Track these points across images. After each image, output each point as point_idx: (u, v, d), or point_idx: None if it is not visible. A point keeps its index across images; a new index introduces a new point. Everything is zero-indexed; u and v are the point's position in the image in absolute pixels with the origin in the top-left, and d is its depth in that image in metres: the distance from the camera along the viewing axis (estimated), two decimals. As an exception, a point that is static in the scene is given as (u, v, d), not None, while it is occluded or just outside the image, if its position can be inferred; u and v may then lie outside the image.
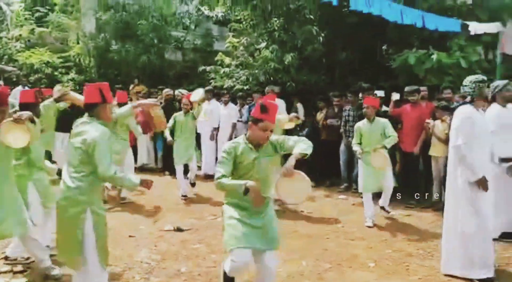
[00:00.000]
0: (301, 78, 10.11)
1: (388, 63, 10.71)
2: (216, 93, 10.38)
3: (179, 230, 6.21)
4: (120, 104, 7.09)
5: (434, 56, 8.73)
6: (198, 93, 8.04)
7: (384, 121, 6.58)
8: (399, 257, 5.31)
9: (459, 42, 9.12)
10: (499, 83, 5.81)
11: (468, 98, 4.69)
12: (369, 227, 6.44)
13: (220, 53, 12.28)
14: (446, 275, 4.72)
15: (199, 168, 9.68)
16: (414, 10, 7.83)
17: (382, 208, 6.80)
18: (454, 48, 9.01)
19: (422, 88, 7.92)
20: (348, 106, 8.54)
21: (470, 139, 4.49)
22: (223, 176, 3.55)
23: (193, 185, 8.22)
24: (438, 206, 7.19)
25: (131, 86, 12.63)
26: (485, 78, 4.79)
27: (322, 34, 10.36)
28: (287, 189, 3.55)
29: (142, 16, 14.76)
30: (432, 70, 8.79)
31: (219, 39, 16.15)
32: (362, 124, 6.65)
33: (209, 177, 9.66)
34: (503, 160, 5.42)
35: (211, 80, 11.84)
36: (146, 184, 3.77)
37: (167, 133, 7.96)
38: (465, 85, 4.73)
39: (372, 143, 6.47)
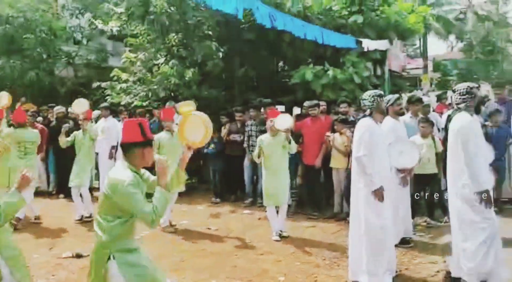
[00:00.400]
0: (202, 93, 10.01)
1: (285, 79, 11.04)
2: (113, 110, 9.91)
3: (78, 256, 5.75)
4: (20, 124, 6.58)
5: (330, 72, 9.13)
6: (80, 104, 7.62)
7: (285, 135, 6.65)
8: (307, 269, 5.35)
9: (351, 59, 9.64)
10: (390, 97, 6.14)
11: (368, 112, 4.88)
12: (276, 240, 6.45)
13: (116, 69, 11.78)
14: (355, 282, 4.84)
15: (97, 189, 9.15)
16: (314, 26, 8.15)
17: (279, 233, 6.67)
18: (347, 64, 9.51)
19: (321, 103, 8.18)
20: (250, 121, 8.59)
21: (370, 151, 4.67)
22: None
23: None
24: (340, 216, 7.44)
25: (17, 105, 11.65)
26: (382, 92, 5.07)
27: (222, 50, 10.39)
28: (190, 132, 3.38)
29: (28, 30, 13.79)
30: (328, 85, 9.18)
31: (114, 55, 15.59)
32: (264, 137, 6.70)
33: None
34: (399, 171, 5.74)
35: (107, 97, 11.31)
36: None
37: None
38: (365, 99, 4.93)
39: (274, 156, 6.55)
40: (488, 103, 8.36)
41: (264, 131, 7.74)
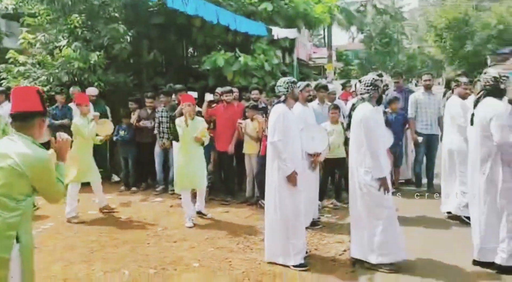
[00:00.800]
0: (108, 78, 9.59)
1: (195, 65, 10.93)
2: (9, 95, 9.19)
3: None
4: None
5: (241, 59, 9.18)
6: None
7: (202, 119, 6.74)
8: (222, 254, 5.39)
9: (262, 46, 9.77)
10: (300, 84, 6.32)
11: (282, 98, 5.00)
12: (190, 227, 6.42)
13: (11, 51, 10.91)
14: (269, 263, 4.96)
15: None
16: (227, 12, 8.10)
17: (199, 212, 6.88)
18: (258, 51, 9.62)
19: (233, 89, 8.21)
20: (160, 107, 8.41)
21: (285, 136, 4.80)
22: None
23: None
24: (252, 201, 7.56)
25: None
26: (296, 79, 5.22)
27: (130, 33, 10.02)
28: None
29: None
30: (239, 72, 9.23)
31: (10, 35, 14.43)
32: (180, 122, 6.63)
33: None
34: (310, 155, 5.95)
35: (3, 81, 10.45)
36: None
37: None
38: (279, 86, 5.06)
39: (189, 141, 6.50)
40: (388, 91, 8.89)
41: (174, 118, 7.66)
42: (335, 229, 6.19)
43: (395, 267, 4.64)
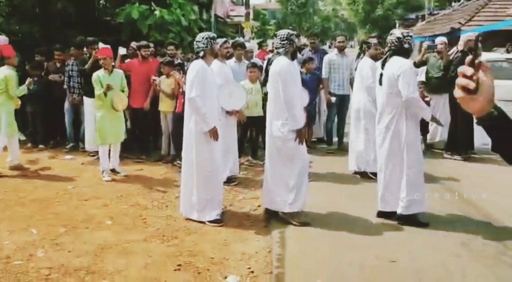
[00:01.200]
0: (11, 28, 8.85)
1: (107, 17, 10.37)
2: None
3: None
4: None
5: (157, 13, 8.85)
6: None
7: (121, 72, 6.76)
8: (135, 211, 5.33)
9: (178, 1, 9.46)
10: (218, 40, 6.24)
11: (201, 54, 4.92)
12: (108, 181, 6.35)
13: None
14: (185, 219, 4.99)
15: None
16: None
17: (113, 170, 6.75)
18: (175, 6, 9.31)
19: (149, 44, 7.91)
20: (71, 60, 7.93)
21: (203, 92, 4.75)
22: None
23: None
24: (167, 159, 7.49)
25: None
26: (215, 35, 5.11)
27: (34, -21, 9.25)
28: None
29: None
30: (155, 26, 8.91)
31: None
32: (101, 74, 6.47)
33: None
34: (227, 112, 5.96)
35: None
36: None
37: None
38: (198, 41, 4.96)
39: (112, 93, 6.46)
40: (303, 51, 9.03)
41: (85, 72, 7.31)
42: (250, 186, 6.32)
43: (306, 220, 4.86)
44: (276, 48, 4.96)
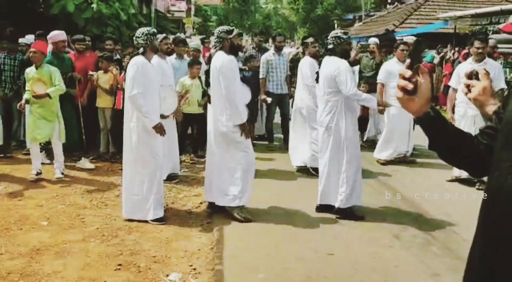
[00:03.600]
0: None
1: (40, 9, 9.97)
2: None
3: None
4: None
5: (94, 6, 8.60)
6: None
7: (55, 69, 6.28)
8: (73, 211, 5.17)
9: (117, -6, 9.24)
10: (158, 36, 6.15)
11: (141, 50, 4.84)
12: (36, 175, 6.15)
13: None
14: (126, 220, 4.90)
15: None
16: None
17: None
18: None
19: (86, 38, 7.68)
20: (2, 53, 7.54)
21: (144, 89, 4.68)
22: None
23: None
24: (106, 157, 7.31)
25: None
26: (155, 30, 5.05)
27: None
28: None
29: None
30: (92, 20, 8.65)
31: None
32: (29, 70, 6.20)
33: None
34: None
35: None
36: None
37: None
38: (138, 37, 4.87)
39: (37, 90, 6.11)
40: (245, 49, 9.09)
41: (23, 64, 7.02)
42: (192, 183, 6.30)
43: (248, 216, 4.92)
44: (214, 46, 5.02)
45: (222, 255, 4.09)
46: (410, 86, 1.46)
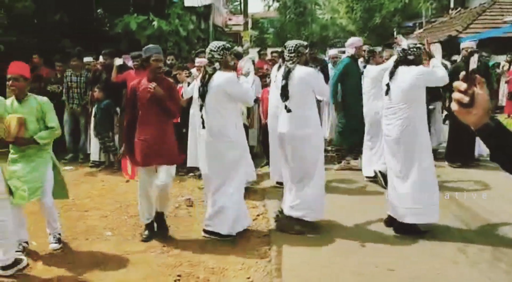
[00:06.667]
0: (10, 39, 8.90)
1: (105, 28, 10.45)
2: None
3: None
4: None
5: (155, 23, 8.91)
6: None
7: (43, 99, 4.52)
8: (135, 222, 5.33)
9: (177, 11, 9.53)
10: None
11: (217, 65, 4.66)
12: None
13: None
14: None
15: None
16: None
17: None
18: (173, 16, 9.38)
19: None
20: (69, 71, 7.98)
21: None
22: None
23: None
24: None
25: None
26: (229, 45, 4.86)
27: (33, -10, 9.32)
28: None
29: None
30: (153, 36, 8.97)
31: None
32: (8, 101, 4.44)
33: None
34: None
35: None
36: None
37: None
38: (214, 51, 4.67)
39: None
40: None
41: (87, 83, 7.36)
42: (250, 195, 6.30)
43: (302, 229, 4.85)
44: (286, 60, 4.91)
45: (280, 268, 4.07)
46: (465, 99, 1.41)
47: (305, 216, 4.87)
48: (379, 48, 7.02)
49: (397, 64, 4.85)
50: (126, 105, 4.70)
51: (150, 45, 4.57)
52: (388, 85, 4.88)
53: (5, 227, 3.90)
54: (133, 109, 4.69)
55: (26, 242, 4.49)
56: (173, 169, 4.80)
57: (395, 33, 27.04)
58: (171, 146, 4.71)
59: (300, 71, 4.77)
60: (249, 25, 24.35)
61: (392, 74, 4.87)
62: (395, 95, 4.80)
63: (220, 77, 4.62)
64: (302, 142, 4.79)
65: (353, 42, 7.14)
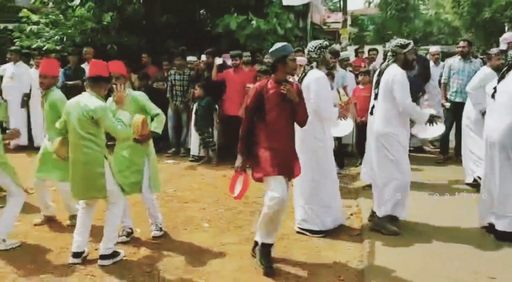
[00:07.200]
0: (121, 40, 9.60)
1: (207, 28, 10.86)
2: (24, 54, 9.28)
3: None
4: None
5: (254, 23, 9.12)
6: None
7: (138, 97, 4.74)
8: (231, 215, 5.54)
9: (275, 10, 9.67)
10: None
11: (314, 64, 4.77)
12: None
13: (24, 10, 10.91)
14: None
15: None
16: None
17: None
18: (271, 15, 9.53)
19: (244, 53, 8.18)
20: (173, 70, 8.44)
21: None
22: None
23: None
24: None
25: None
26: (328, 43, 4.89)
27: (142, -6, 9.97)
28: None
29: None
30: (252, 35, 9.19)
31: (22, -7, 14.38)
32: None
33: (21, 148, 8.73)
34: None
35: (16, 40, 10.51)
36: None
37: None
38: (311, 51, 4.79)
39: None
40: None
41: (189, 81, 7.70)
42: (343, 194, 6.25)
43: (396, 229, 4.75)
44: (388, 59, 4.86)
45: (371, 269, 4.01)
46: None
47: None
48: (495, 50, 6.54)
49: (510, 67, 4.55)
50: (247, 111, 4.12)
51: (282, 44, 4.06)
52: (495, 88, 4.63)
53: (114, 219, 4.25)
54: (254, 116, 4.08)
55: (131, 229, 4.84)
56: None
57: (506, 28, 25.10)
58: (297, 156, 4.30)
59: (392, 71, 4.68)
60: (348, 23, 23.97)
61: (502, 77, 4.59)
62: (503, 99, 4.53)
63: (311, 76, 4.71)
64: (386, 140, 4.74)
65: (506, 37, 6.94)
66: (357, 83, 7.87)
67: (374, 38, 38.81)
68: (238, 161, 4.14)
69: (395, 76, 4.63)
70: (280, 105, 3.99)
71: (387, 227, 4.75)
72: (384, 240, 4.60)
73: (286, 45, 4.06)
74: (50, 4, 10.53)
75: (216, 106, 8.14)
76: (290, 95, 3.94)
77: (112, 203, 4.25)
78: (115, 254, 4.24)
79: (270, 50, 4.06)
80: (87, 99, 4.03)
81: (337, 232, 4.94)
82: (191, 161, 8.12)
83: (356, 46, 13.05)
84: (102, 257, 4.18)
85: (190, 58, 8.61)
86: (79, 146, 4.05)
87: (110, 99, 4.51)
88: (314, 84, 4.66)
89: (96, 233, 4.46)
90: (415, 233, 4.76)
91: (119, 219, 4.33)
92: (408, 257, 4.26)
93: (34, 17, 10.52)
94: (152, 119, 4.66)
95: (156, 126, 4.67)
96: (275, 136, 4.00)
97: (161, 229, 4.90)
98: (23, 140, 8.80)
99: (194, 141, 8.18)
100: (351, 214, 5.46)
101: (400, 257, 4.25)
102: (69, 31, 9.73)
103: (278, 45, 4.05)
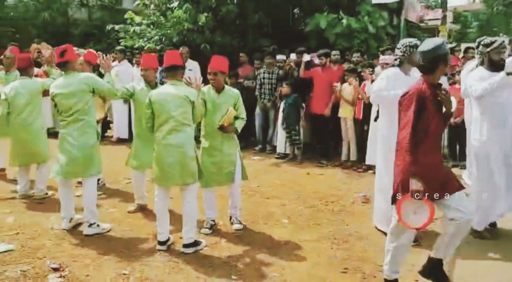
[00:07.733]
0: (215, 39, 9.97)
1: (299, 27, 10.92)
2: (127, 54, 9.99)
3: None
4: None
5: (344, 21, 9.05)
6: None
7: (234, 93, 5.00)
8: (310, 213, 5.58)
9: (367, 8, 9.50)
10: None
11: (396, 62, 4.66)
12: (206, 234, 4.89)
13: (129, 12, 11.71)
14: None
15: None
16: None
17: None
18: (363, 13, 9.39)
19: (333, 52, 8.15)
20: (262, 69, 8.64)
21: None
22: None
23: None
24: (346, 165, 7.62)
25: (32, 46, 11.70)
26: (418, 43, 4.54)
27: (236, -5, 10.25)
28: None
29: (40, -30, 13.69)
30: (342, 34, 9.12)
31: (131, -4, 15.44)
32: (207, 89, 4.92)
33: (122, 141, 9.41)
34: None
35: (121, 40, 11.33)
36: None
37: None
38: (398, 48, 4.67)
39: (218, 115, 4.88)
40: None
41: (278, 80, 7.85)
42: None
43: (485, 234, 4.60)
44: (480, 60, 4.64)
45: (452, 274, 3.87)
46: None
47: None
48: None
49: None
50: (413, 121, 3.34)
51: (437, 39, 3.47)
52: None
53: (192, 209, 4.49)
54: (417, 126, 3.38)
55: (213, 221, 5.07)
56: None
57: None
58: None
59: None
60: (449, 19, 22.77)
61: None
62: None
63: (382, 73, 4.79)
64: None
65: None
66: (453, 83, 7.55)
67: (478, 35, 36.44)
68: (417, 184, 3.29)
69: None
70: (438, 114, 3.45)
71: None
72: (466, 245, 4.40)
73: (443, 41, 3.46)
74: (152, 6, 11.16)
75: (303, 104, 8.20)
76: (447, 104, 3.42)
77: (191, 190, 4.49)
78: (197, 243, 4.48)
79: (425, 48, 3.40)
80: (177, 88, 4.43)
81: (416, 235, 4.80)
82: (276, 158, 8.26)
83: (453, 44, 12.40)
84: (185, 245, 4.44)
85: (279, 56, 8.74)
86: (174, 131, 4.32)
87: (206, 87, 4.89)
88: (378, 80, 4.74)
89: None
90: (501, 238, 4.50)
91: (197, 207, 4.55)
92: (490, 264, 4.06)
93: (137, 19, 11.26)
94: (236, 118, 4.94)
95: (238, 125, 4.97)
96: (434, 152, 3.48)
97: (241, 222, 5.09)
98: (124, 133, 9.51)
99: (280, 138, 8.32)
100: (435, 219, 5.26)
101: (482, 264, 4.06)
102: (168, 31, 10.28)
103: (434, 41, 3.44)
